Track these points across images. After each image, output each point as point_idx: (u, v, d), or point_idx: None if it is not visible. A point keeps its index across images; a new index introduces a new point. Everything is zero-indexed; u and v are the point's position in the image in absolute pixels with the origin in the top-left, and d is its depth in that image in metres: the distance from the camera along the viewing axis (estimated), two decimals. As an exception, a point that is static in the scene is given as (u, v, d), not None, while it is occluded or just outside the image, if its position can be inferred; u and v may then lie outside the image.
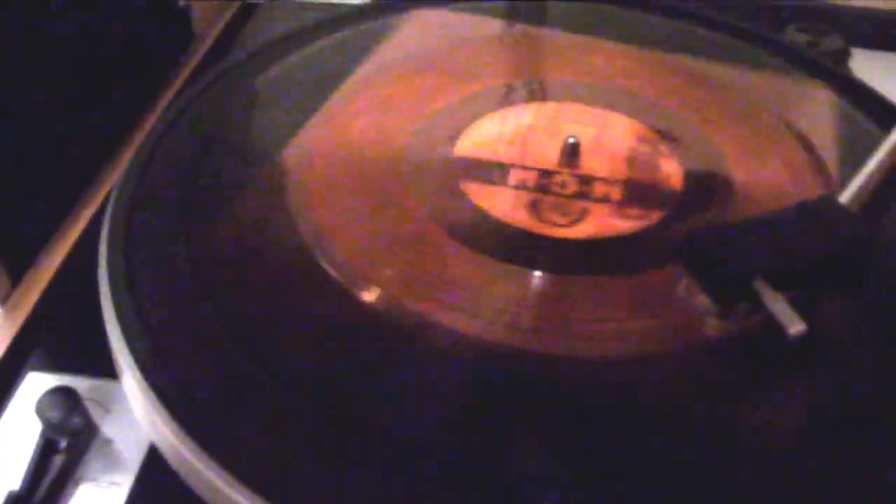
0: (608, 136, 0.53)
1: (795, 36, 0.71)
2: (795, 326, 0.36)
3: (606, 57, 0.62)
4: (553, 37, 0.67)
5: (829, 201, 0.43)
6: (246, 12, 0.76)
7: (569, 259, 0.45)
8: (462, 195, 0.48)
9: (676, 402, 0.38)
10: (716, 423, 0.37)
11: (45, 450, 0.39)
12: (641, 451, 0.36)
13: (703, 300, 0.39)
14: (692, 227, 0.45)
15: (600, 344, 0.40)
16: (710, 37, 0.66)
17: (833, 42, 0.71)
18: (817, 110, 0.60)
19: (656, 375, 0.39)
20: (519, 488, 0.35)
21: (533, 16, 0.68)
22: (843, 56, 0.70)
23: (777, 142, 0.55)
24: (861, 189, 0.45)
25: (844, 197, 0.44)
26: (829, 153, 0.54)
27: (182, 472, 0.37)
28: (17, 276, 0.50)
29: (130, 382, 0.39)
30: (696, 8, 0.69)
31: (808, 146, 0.54)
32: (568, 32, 0.66)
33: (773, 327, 0.37)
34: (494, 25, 0.66)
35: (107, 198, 0.53)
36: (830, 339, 0.41)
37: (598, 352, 0.40)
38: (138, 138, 0.60)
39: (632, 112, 0.55)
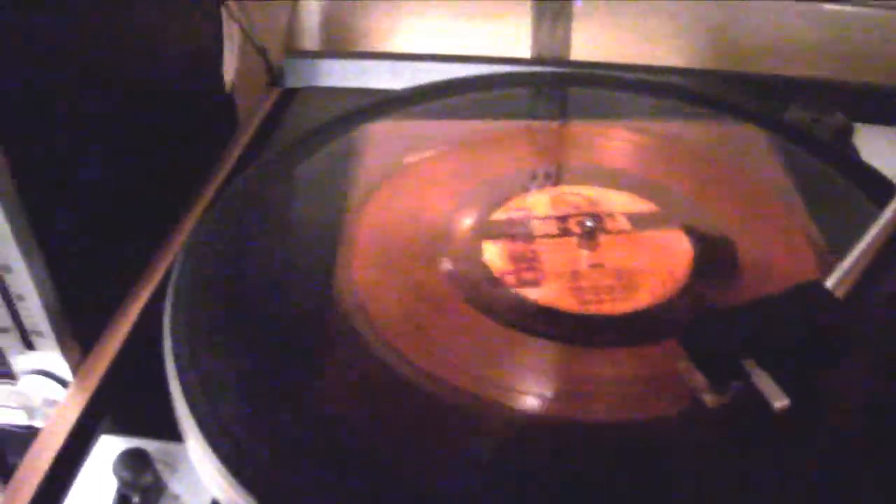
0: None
1: (798, 113, 0.75)
2: (780, 401, 0.41)
3: (607, 139, 0.68)
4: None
5: (816, 286, 0.47)
6: (286, 97, 0.82)
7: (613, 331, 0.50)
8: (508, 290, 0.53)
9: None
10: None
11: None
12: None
13: (699, 378, 0.44)
14: (692, 315, 0.50)
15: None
16: (713, 115, 0.71)
17: (835, 119, 0.75)
18: (819, 188, 0.63)
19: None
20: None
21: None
22: (845, 132, 0.74)
23: (778, 220, 0.60)
24: (846, 273, 0.50)
25: (830, 281, 0.49)
26: (830, 231, 0.58)
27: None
28: (87, 348, 0.55)
29: (194, 445, 0.44)
30: (695, 86, 0.75)
31: (807, 224, 0.59)
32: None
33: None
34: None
35: (167, 272, 0.59)
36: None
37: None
38: (192, 217, 0.65)
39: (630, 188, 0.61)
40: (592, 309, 0.51)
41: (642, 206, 0.59)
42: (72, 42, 0.53)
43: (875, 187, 0.60)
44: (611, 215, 0.58)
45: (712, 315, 0.47)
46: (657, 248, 0.56)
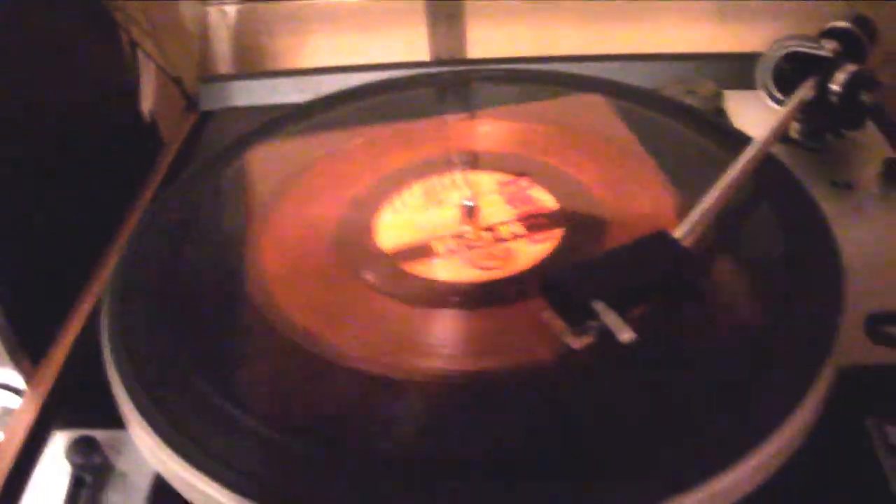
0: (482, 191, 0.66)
1: (674, 86, 0.82)
2: (626, 335, 0.47)
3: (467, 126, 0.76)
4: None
5: (662, 235, 0.54)
6: (204, 120, 0.89)
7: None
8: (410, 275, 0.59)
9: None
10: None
11: (76, 485, 0.50)
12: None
13: (560, 324, 0.51)
14: (548, 271, 0.57)
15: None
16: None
17: (708, 87, 0.83)
18: (686, 151, 0.71)
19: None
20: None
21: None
22: (717, 98, 0.82)
23: (637, 178, 0.67)
24: (693, 223, 0.57)
25: (679, 231, 0.56)
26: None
27: (182, 490, 0.48)
28: (35, 359, 0.61)
29: (136, 428, 0.50)
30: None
31: (670, 180, 0.66)
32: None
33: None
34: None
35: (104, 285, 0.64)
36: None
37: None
38: (125, 232, 0.72)
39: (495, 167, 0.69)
40: (494, 275, 0.58)
41: (509, 179, 0.67)
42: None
43: (737, 146, 0.66)
44: (483, 192, 0.66)
45: (567, 266, 0.54)
46: (530, 207, 0.64)
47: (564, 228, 0.62)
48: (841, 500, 0.48)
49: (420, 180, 0.68)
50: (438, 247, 0.61)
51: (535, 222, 0.62)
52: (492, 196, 0.66)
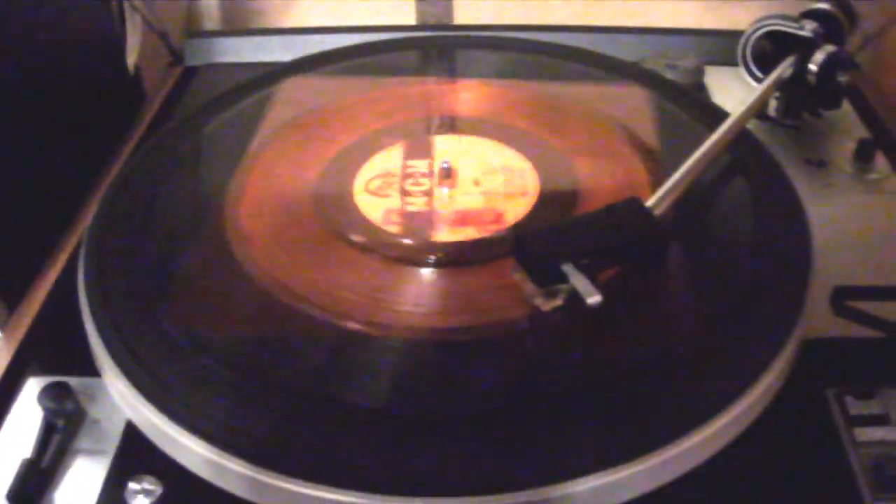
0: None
1: (655, 60, 0.83)
2: (593, 297, 0.49)
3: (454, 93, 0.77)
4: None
5: (634, 203, 0.55)
6: (188, 75, 0.89)
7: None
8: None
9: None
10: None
11: (47, 429, 0.51)
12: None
13: (530, 285, 0.52)
14: (519, 231, 0.58)
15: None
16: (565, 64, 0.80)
17: (690, 61, 0.83)
18: (663, 122, 0.72)
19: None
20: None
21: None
22: (698, 73, 0.82)
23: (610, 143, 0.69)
24: (665, 193, 0.58)
25: (650, 201, 0.57)
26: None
27: (153, 438, 0.49)
28: (12, 306, 0.62)
29: (110, 376, 0.51)
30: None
31: (646, 152, 0.67)
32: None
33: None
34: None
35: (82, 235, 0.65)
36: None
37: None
38: (105, 184, 0.72)
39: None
40: (487, 231, 0.60)
41: (472, 140, 0.69)
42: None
43: (714, 120, 0.67)
44: (459, 155, 0.67)
45: (538, 229, 0.55)
46: (507, 173, 0.65)
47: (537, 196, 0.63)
48: (800, 466, 0.49)
49: (399, 142, 0.69)
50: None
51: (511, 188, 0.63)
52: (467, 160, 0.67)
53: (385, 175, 0.65)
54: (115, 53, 0.82)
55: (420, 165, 0.66)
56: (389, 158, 0.67)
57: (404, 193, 0.63)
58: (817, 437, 0.50)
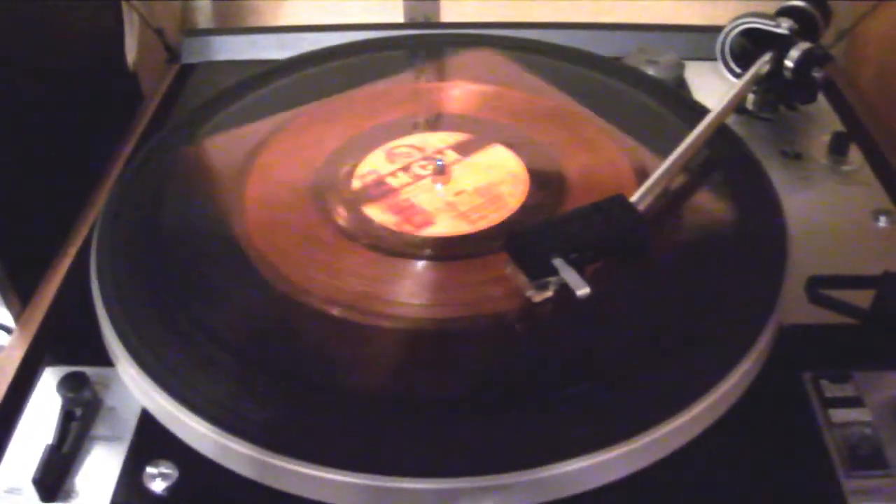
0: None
1: (637, 56, 0.85)
2: (582, 290, 0.51)
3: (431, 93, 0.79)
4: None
5: (619, 199, 0.57)
6: (184, 73, 0.91)
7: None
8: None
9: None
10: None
11: (66, 418, 0.53)
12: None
13: (522, 278, 0.54)
14: (511, 226, 0.61)
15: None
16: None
17: (671, 57, 0.86)
18: (644, 118, 0.74)
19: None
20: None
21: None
22: (678, 68, 0.85)
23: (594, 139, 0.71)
24: (649, 189, 0.61)
25: (634, 197, 0.60)
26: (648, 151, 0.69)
27: (167, 424, 0.52)
28: (25, 299, 0.64)
29: (124, 365, 0.54)
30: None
31: (630, 147, 0.70)
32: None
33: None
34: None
35: (92, 228, 0.67)
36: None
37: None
38: (109, 180, 0.74)
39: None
40: (482, 225, 0.62)
41: (462, 137, 0.71)
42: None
43: (694, 115, 0.70)
44: (440, 151, 0.69)
45: (529, 224, 0.57)
46: (494, 165, 0.67)
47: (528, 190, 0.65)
48: (777, 447, 0.52)
49: (392, 139, 0.71)
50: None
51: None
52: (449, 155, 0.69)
53: (375, 173, 0.68)
54: (112, 51, 0.84)
55: (400, 171, 0.68)
56: (368, 172, 0.69)
57: (398, 188, 0.66)
58: (794, 419, 0.53)
